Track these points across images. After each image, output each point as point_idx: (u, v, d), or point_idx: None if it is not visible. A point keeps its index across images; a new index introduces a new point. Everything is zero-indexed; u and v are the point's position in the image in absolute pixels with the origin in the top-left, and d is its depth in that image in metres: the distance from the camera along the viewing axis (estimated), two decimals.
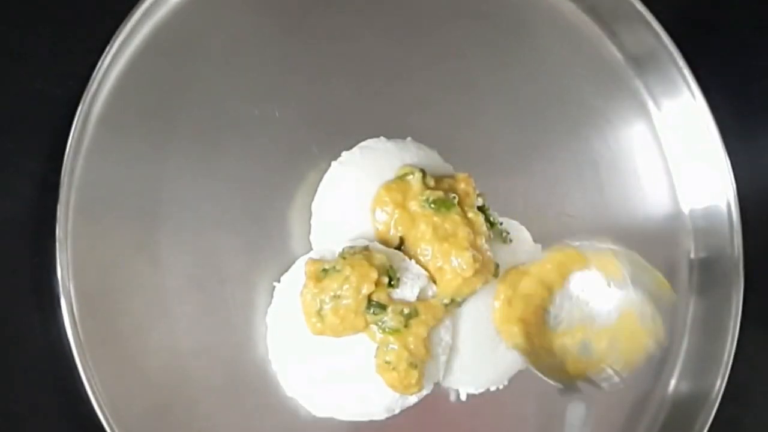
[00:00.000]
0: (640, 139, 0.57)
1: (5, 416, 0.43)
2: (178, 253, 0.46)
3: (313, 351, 0.43)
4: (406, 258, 0.44)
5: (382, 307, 0.42)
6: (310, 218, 0.47)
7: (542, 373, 0.45)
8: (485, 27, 0.54)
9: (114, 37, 0.45)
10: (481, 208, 0.46)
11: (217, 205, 0.47)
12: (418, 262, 0.44)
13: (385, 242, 0.45)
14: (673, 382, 0.56)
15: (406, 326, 0.42)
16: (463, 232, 0.44)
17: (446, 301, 0.44)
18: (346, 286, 0.41)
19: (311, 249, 0.46)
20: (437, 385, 0.45)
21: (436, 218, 0.44)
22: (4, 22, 0.45)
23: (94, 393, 0.42)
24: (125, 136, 0.45)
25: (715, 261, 0.56)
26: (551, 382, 0.46)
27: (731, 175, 0.56)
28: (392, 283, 0.42)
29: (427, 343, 0.43)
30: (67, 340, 0.42)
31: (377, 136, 0.48)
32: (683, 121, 0.57)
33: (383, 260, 0.42)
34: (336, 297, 0.42)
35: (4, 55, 0.45)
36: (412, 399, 0.44)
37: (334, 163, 0.47)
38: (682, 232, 0.57)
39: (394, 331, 0.42)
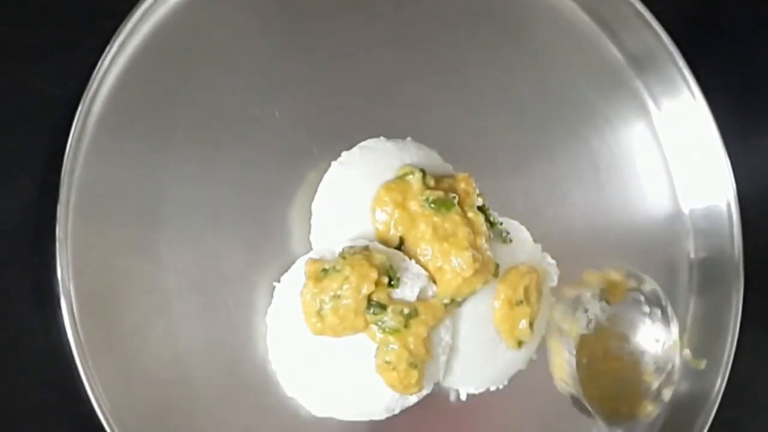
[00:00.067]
0: (640, 139, 0.57)
1: (5, 416, 0.43)
2: (178, 253, 0.46)
3: (313, 351, 0.43)
4: (406, 258, 0.44)
5: (382, 307, 0.42)
6: (310, 218, 0.47)
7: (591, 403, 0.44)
8: (485, 27, 0.54)
9: (114, 37, 0.45)
10: (481, 208, 0.46)
11: (217, 205, 0.47)
12: (418, 262, 0.44)
13: (385, 242, 0.45)
14: None
15: (406, 326, 0.42)
16: (463, 232, 0.44)
17: (446, 301, 0.44)
18: (346, 286, 0.41)
19: (311, 249, 0.46)
20: (437, 385, 0.45)
21: (436, 218, 0.44)
22: (3, 22, 0.45)
23: (94, 393, 0.42)
24: (125, 136, 0.45)
25: (715, 261, 0.56)
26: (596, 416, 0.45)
27: (731, 175, 0.56)
28: (392, 283, 0.42)
29: (427, 343, 0.43)
30: (67, 340, 0.42)
31: (377, 136, 0.48)
32: (683, 121, 0.57)
33: (383, 260, 0.42)
34: (336, 297, 0.42)
35: (4, 55, 0.45)
36: (412, 399, 0.44)
37: (334, 163, 0.47)
38: (682, 232, 0.57)
39: (394, 331, 0.42)
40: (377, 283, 0.42)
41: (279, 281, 0.45)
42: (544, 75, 0.55)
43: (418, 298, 0.43)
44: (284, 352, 0.45)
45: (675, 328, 0.46)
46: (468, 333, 0.45)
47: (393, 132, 0.48)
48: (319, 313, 0.42)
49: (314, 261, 0.43)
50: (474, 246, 0.44)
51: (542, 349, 0.49)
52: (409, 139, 0.48)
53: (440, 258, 0.44)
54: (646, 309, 0.46)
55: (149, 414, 0.44)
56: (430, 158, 0.47)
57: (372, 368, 0.42)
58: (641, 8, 0.55)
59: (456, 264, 0.43)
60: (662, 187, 0.57)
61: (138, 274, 0.45)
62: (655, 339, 0.45)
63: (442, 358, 0.44)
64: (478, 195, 0.46)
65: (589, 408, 0.44)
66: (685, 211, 0.57)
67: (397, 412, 0.44)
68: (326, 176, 0.47)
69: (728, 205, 0.56)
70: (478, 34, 0.54)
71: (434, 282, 0.44)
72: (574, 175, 0.55)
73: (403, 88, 0.51)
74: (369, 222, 0.45)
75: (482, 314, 0.45)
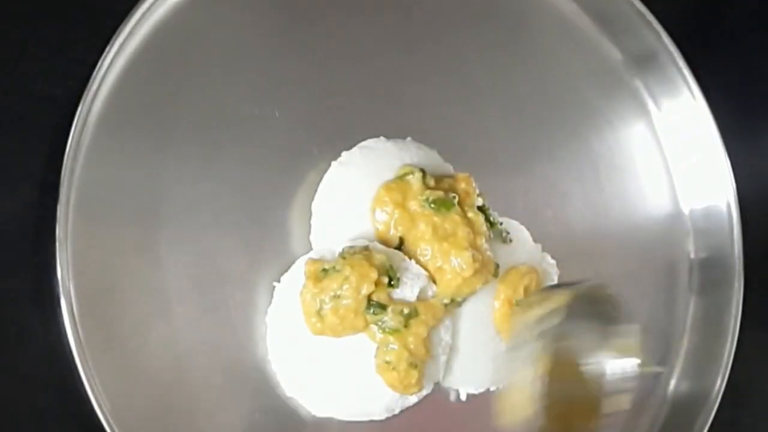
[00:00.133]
0: (640, 139, 0.57)
1: (5, 416, 0.43)
2: (178, 253, 0.46)
3: (313, 351, 0.43)
4: (406, 258, 0.44)
5: (382, 307, 0.42)
6: (310, 218, 0.47)
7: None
8: (485, 27, 0.54)
9: (114, 37, 0.45)
10: (481, 208, 0.46)
11: (217, 205, 0.47)
12: (417, 262, 0.44)
13: (385, 242, 0.45)
14: (673, 382, 0.56)
15: (406, 326, 0.42)
16: (462, 232, 0.44)
17: (446, 301, 0.44)
18: (345, 286, 0.41)
19: (311, 249, 0.46)
20: (437, 385, 0.45)
21: (435, 218, 0.44)
22: (4, 22, 0.45)
23: (94, 393, 0.42)
24: (125, 136, 0.45)
25: (715, 261, 0.56)
26: None
27: (731, 175, 0.56)
28: (392, 283, 0.42)
29: (427, 343, 0.43)
30: (67, 340, 0.42)
31: (377, 136, 0.48)
32: (683, 121, 0.57)
33: (383, 260, 0.42)
34: (336, 297, 0.42)
35: (4, 55, 0.45)
36: (412, 399, 0.44)
37: (334, 163, 0.47)
38: (682, 232, 0.57)
39: (394, 331, 0.42)
40: (377, 283, 0.42)
41: (279, 281, 0.45)
42: (544, 75, 0.55)
43: (418, 298, 0.43)
44: (284, 352, 0.45)
45: (630, 331, 0.45)
46: (468, 333, 0.45)
47: (393, 132, 0.48)
48: (319, 313, 0.42)
49: (314, 261, 0.43)
50: (474, 246, 0.44)
51: None
52: (409, 139, 0.48)
53: (440, 258, 0.44)
54: (593, 321, 0.45)
55: (149, 414, 0.44)
56: (430, 158, 0.47)
57: (372, 368, 0.42)
58: (641, 8, 0.55)
59: (456, 264, 0.43)
60: (662, 187, 0.57)
61: (138, 274, 0.45)
62: (609, 349, 0.44)
63: (442, 358, 0.44)
64: (478, 195, 0.46)
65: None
66: (685, 211, 0.57)
67: (397, 412, 0.44)
68: (326, 176, 0.47)
69: (728, 205, 0.56)
70: (478, 35, 0.54)
71: (434, 282, 0.44)
72: (574, 175, 0.55)
73: (403, 88, 0.51)
74: (369, 222, 0.45)
75: (482, 314, 0.45)
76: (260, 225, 0.47)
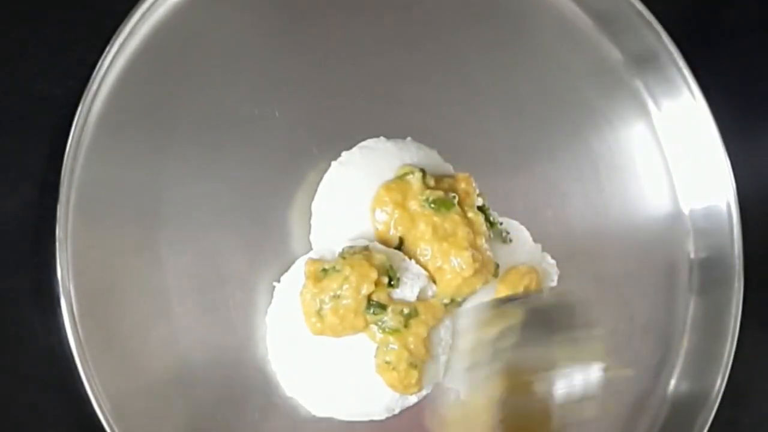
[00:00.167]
0: (640, 139, 0.57)
1: (5, 416, 0.43)
2: (178, 253, 0.46)
3: (313, 351, 0.43)
4: (406, 258, 0.44)
5: (382, 307, 0.42)
6: (310, 218, 0.47)
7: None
8: (485, 27, 0.54)
9: (114, 37, 0.45)
10: (481, 208, 0.46)
11: (217, 205, 0.47)
12: (417, 262, 0.44)
13: (385, 242, 0.45)
14: (673, 382, 0.56)
15: (406, 326, 0.42)
16: (462, 231, 0.44)
17: (446, 301, 0.44)
18: (345, 286, 0.41)
19: (311, 249, 0.46)
20: (437, 385, 0.45)
21: (435, 218, 0.44)
22: (3, 22, 0.45)
23: (94, 393, 0.42)
24: (125, 136, 0.45)
25: (715, 261, 0.56)
26: None
27: (731, 175, 0.56)
28: (392, 283, 0.42)
29: (427, 343, 0.43)
30: (67, 340, 0.42)
31: (377, 136, 0.48)
32: (683, 121, 0.57)
33: (383, 260, 0.42)
34: (336, 297, 0.42)
35: (4, 55, 0.45)
36: (412, 399, 0.44)
37: (334, 163, 0.47)
38: (682, 232, 0.57)
39: (394, 331, 0.42)
40: (377, 283, 0.42)
41: (279, 281, 0.45)
42: (544, 75, 0.55)
43: (418, 298, 0.43)
44: (284, 352, 0.45)
45: (594, 337, 0.45)
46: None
47: (393, 132, 0.48)
48: (319, 313, 0.42)
49: (314, 261, 0.43)
50: (474, 246, 0.44)
51: None
52: (409, 139, 0.48)
53: (440, 258, 0.44)
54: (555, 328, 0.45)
55: (149, 414, 0.44)
56: (430, 158, 0.47)
57: (372, 368, 0.42)
58: (641, 8, 0.55)
59: (456, 264, 0.43)
60: (662, 187, 0.57)
61: (138, 274, 0.45)
62: (572, 357, 0.44)
63: (442, 358, 0.44)
64: (478, 195, 0.46)
65: None
66: (685, 211, 0.57)
67: (397, 412, 0.44)
68: (326, 176, 0.47)
69: (728, 205, 0.56)
70: (478, 35, 0.54)
71: (434, 282, 0.44)
72: (574, 175, 0.55)
73: (404, 88, 0.51)
74: (369, 222, 0.45)
75: None
76: (260, 225, 0.47)
